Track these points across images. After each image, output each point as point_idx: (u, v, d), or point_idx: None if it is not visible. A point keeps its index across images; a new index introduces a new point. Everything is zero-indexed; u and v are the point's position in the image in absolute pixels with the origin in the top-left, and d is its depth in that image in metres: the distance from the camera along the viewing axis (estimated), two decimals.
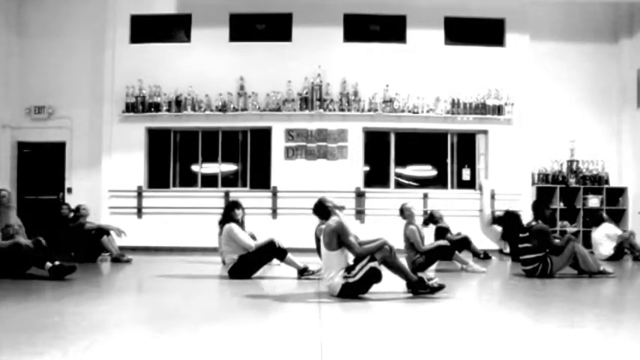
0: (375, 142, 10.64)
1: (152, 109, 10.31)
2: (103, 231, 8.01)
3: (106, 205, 10.27)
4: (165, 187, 10.52)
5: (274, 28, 10.74)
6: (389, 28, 10.76)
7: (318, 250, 6.09)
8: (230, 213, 6.31)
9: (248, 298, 4.70)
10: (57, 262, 5.67)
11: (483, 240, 9.86)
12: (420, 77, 10.48)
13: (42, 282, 5.49)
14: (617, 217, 10.44)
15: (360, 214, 10.23)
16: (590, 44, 11.07)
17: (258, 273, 6.11)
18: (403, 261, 5.18)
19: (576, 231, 10.32)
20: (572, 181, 10.58)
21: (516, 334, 3.33)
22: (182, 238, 10.08)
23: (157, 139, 10.64)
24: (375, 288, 4.61)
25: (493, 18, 10.75)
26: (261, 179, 10.50)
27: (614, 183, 10.83)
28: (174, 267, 7.63)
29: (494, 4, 10.62)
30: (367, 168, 10.60)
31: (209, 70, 10.44)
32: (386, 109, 10.33)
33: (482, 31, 10.79)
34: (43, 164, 10.86)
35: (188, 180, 10.72)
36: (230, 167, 10.75)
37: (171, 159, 10.61)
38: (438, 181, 10.75)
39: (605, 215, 9.18)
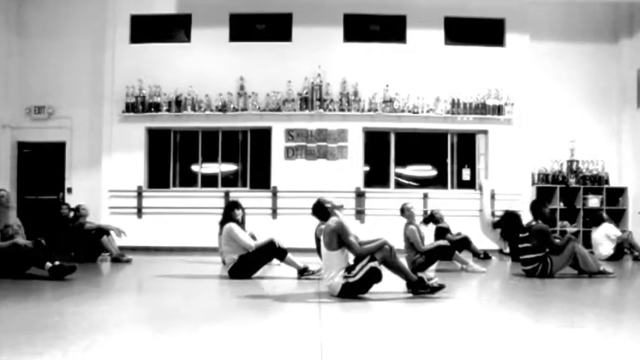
0: (375, 142, 10.64)
1: (152, 109, 10.31)
2: (103, 231, 8.01)
3: (106, 205, 10.27)
4: (165, 187, 10.52)
5: (274, 28, 10.74)
6: (389, 28, 10.76)
7: (318, 250, 6.09)
8: (230, 213, 6.31)
9: (248, 298, 4.70)
10: (57, 262, 5.67)
11: (483, 240, 9.86)
12: (420, 77, 10.48)
13: (42, 282, 5.49)
14: (617, 217, 10.44)
15: (360, 214, 10.23)
16: (590, 44, 11.07)
17: (258, 273, 6.11)
18: (403, 261, 5.18)
19: (576, 231, 10.32)
20: (572, 181, 10.58)
21: (516, 334, 3.33)
22: (182, 238, 10.08)
23: (156, 139, 10.64)
24: (375, 288, 4.61)
25: (493, 18, 10.75)
26: (261, 179, 10.50)
27: (614, 183, 10.83)
28: (174, 267, 7.62)
29: (494, 4, 10.62)
30: (367, 168, 10.60)
31: (209, 70, 10.44)
32: (386, 109, 10.33)
33: (482, 31, 10.79)
34: (43, 164, 10.86)
35: (188, 180, 10.72)
36: (230, 167, 10.75)
37: (171, 159, 10.62)
38: (438, 181, 10.76)
39: (605, 215, 9.16)
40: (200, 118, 10.38)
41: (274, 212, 10.23)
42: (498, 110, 10.41)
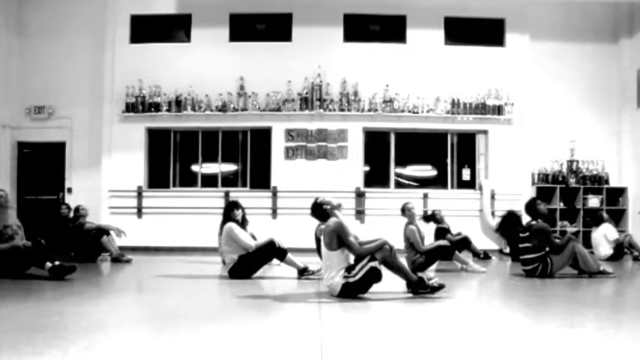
0: (375, 142, 10.64)
1: (152, 109, 10.31)
2: (103, 231, 8.02)
3: (106, 205, 10.27)
4: (165, 187, 10.52)
5: (274, 28, 10.74)
6: (389, 28, 10.76)
7: (318, 250, 6.09)
8: (229, 213, 6.31)
9: (248, 298, 4.70)
10: (57, 262, 5.67)
11: (483, 240, 9.87)
12: (420, 77, 10.48)
13: (42, 282, 5.49)
14: (617, 217, 10.45)
15: (360, 214, 10.23)
16: (590, 44, 11.07)
17: (258, 273, 6.11)
18: (403, 261, 5.18)
19: (576, 231, 10.32)
20: (572, 181, 10.58)
21: (516, 334, 3.33)
22: (182, 238, 10.08)
23: (157, 139, 10.64)
24: (375, 288, 4.61)
25: (493, 18, 10.75)
26: (261, 179, 10.50)
27: (614, 183, 10.84)
28: (174, 267, 7.62)
29: (494, 4, 10.62)
30: (367, 168, 10.60)
31: (209, 70, 10.44)
32: (386, 109, 10.33)
33: (482, 31, 10.79)
34: (43, 164, 10.85)
35: (188, 180, 10.72)
36: (230, 167, 10.75)
37: (171, 159, 10.62)
38: (438, 181, 10.76)
39: (605, 215, 9.16)
40: (200, 118, 10.38)
41: (274, 212, 10.23)
42: (498, 110, 10.41)
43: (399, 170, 10.75)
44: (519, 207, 9.46)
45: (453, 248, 6.94)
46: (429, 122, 10.43)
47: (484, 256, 8.48)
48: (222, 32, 10.57)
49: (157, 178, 10.58)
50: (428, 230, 7.97)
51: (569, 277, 6.22)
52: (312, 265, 6.05)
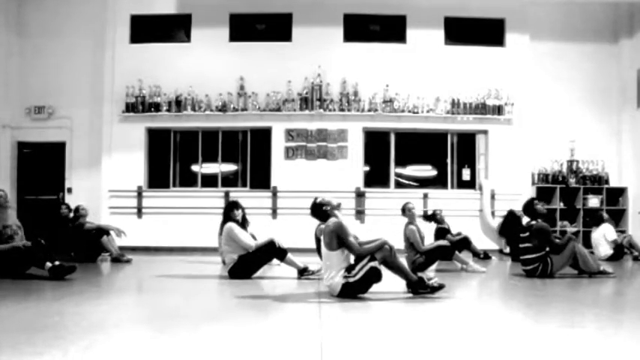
0: (375, 142, 10.64)
1: (152, 109, 10.31)
2: (103, 231, 8.01)
3: (106, 205, 10.27)
4: (165, 187, 10.52)
5: (274, 28, 10.74)
6: (389, 28, 10.76)
7: (318, 250, 6.09)
8: (229, 213, 6.31)
9: (248, 298, 4.70)
10: (57, 262, 5.67)
11: (483, 240, 9.87)
12: (420, 77, 10.48)
13: (42, 282, 5.48)
14: (617, 217, 10.45)
15: (360, 214, 10.24)
16: (590, 44, 11.07)
17: (258, 273, 6.11)
18: (403, 261, 5.18)
19: (576, 231, 10.32)
20: (572, 181, 10.58)
21: (516, 334, 3.33)
22: (182, 238, 10.08)
23: (157, 139, 10.64)
24: (375, 288, 4.61)
25: (493, 18, 10.75)
26: (261, 179, 10.50)
27: (614, 183, 10.83)
28: (174, 267, 7.62)
29: (494, 4, 10.63)
30: (367, 168, 10.60)
31: (209, 70, 10.44)
32: (386, 109, 10.33)
33: (482, 31, 10.79)
34: (43, 164, 10.85)
35: (188, 180, 10.72)
36: (230, 167, 10.75)
37: (171, 159, 10.62)
38: (438, 181, 10.76)
39: (605, 215, 9.16)
40: (200, 118, 10.38)
41: (274, 212, 10.23)
42: (498, 110, 10.41)
43: (399, 170, 10.75)
44: (519, 207, 9.51)
45: (453, 248, 6.94)
46: (429, 122, 10.43)
47: (484, 256, 8.48)
48: (222, 32, 10.57)
49: (157, 178, 10.58)
50: (428, 230, 7.97)
51: (569, 277, 6.22)
52: (312, 265, 6.05)
